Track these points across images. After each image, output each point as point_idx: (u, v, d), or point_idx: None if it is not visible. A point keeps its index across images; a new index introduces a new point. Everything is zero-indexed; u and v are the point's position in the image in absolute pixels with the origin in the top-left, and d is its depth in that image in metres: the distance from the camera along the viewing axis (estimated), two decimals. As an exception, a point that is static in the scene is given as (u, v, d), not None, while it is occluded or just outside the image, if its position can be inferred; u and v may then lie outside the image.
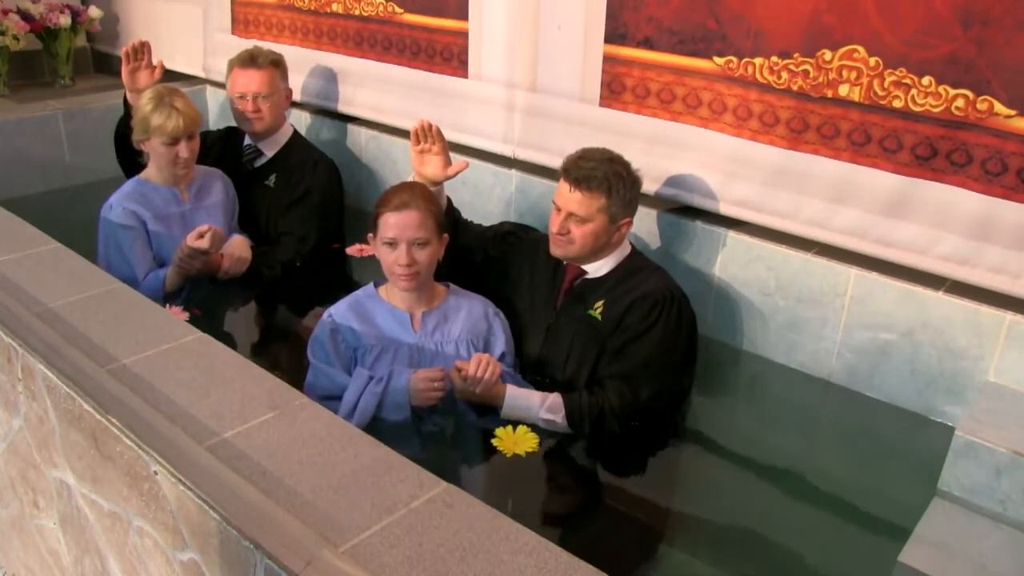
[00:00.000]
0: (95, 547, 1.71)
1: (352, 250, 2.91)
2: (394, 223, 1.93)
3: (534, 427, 1.93)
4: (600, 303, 2.06)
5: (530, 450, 1.88)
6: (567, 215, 2.01)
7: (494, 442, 1.89)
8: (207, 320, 2.37)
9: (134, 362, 1.64)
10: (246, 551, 1.22)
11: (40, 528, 1.97)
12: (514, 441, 1.89)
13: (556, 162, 2.10)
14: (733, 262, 2.32)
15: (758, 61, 2.16)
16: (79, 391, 1.54)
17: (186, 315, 2.36)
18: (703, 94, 2.29)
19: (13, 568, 2.26)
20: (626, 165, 2.03)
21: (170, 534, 1.41)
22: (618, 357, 2.01)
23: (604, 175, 1.98)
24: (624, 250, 2.11)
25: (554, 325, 2.13)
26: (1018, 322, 1.90)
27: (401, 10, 2.95)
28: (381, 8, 3.00)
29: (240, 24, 3.58)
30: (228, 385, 1.58)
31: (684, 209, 2.40)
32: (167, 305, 2.39)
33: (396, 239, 1.93)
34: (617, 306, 2.03)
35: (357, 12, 3.09)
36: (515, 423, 1.93)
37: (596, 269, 2.10)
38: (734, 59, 2.20)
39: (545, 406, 1.94)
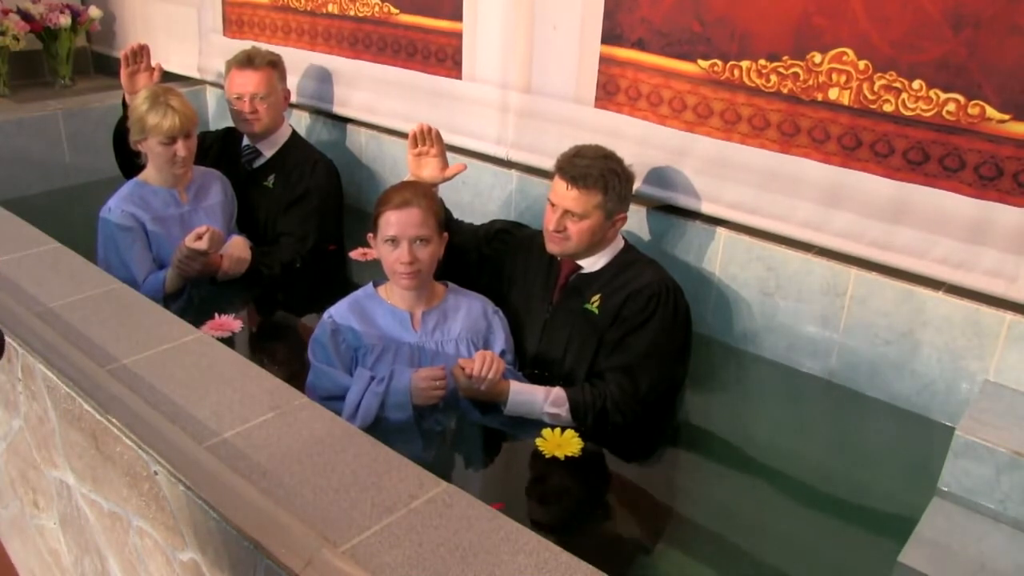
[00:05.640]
0: (95, 547, 1.71)
1: (355, 254, 2.90)
2: (395, 221, 1.93)
3: (579, 432, 1.91)
4: (597, 297, 2.07)
5: (572, 454, 1.85)
6: (563, 212, 2.01)
7: (538, 442, 1.87)
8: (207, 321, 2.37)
9: (134, 362, 1.64)
10: (246, 551, 1.22)
11: (40, 528, 1.97)
12: (558, 444, 1.87)
13: (550, 164, 2.10)
14: (733, 262, 2.32)
15: (745, 64, 2.15)
16: (79, 391, 1.54)
17: (239, 323, 2.33)
18: (688, 98, 2.28)
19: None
20: (619, 161, 2.05)
21: (170, 534, 1.41)
22: (617, 349, 2.02)
23: (600, 172, 1.99)
24: (618, 244, 2.12)
25: (551, 320, 2.13)
26: (1018, 322, 1.90)
27: (397, 10, 2.95)
28: (377, 8, 3.00)
29: (232, 25, 3.57)
30: (228, 385, 1.58)
31: (684, 209, 2.40)
32: (215, 315, 2.34)
33: (398, 237, 1.93)
34: (614, 299, 2.04)
35: (352, 13, 3.09)
36: (563, 427, 1.92)
37: (591, 264, 2.11)
38: (719, 62, 2.19)
39: (549, 400, 1.95)
